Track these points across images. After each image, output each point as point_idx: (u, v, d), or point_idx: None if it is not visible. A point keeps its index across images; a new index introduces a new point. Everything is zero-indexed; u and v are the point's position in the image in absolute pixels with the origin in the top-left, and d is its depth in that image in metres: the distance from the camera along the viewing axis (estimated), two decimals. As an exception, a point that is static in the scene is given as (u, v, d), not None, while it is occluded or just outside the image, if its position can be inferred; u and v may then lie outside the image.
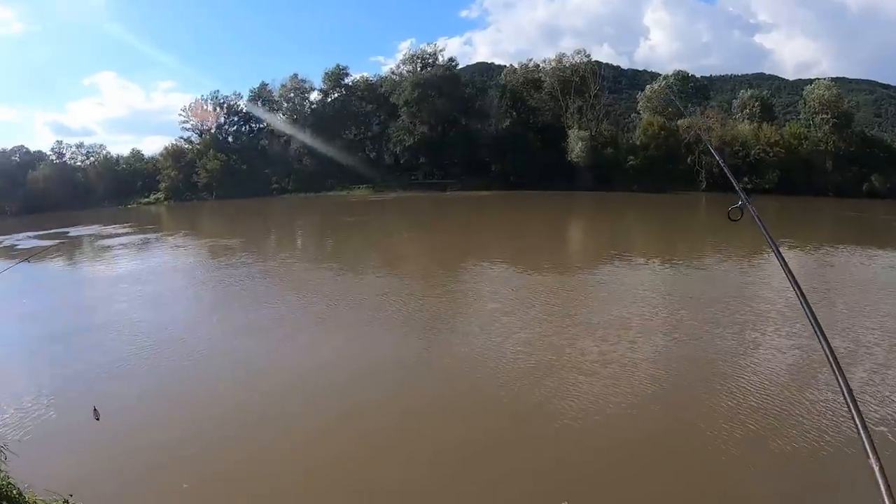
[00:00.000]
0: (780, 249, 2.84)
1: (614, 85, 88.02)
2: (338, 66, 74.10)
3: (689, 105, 63.89)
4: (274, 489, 8.60)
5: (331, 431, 10.18)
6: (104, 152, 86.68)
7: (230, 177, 73.15)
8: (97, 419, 10.81)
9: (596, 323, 15.44)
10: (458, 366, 12.86)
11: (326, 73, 74.78)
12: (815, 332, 2.06)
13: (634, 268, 23.50)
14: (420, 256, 28.85)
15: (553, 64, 64.38)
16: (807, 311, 2.20)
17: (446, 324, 16.51)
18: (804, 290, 2.36)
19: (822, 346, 1.98)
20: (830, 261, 24.58)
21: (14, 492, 7.17)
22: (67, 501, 7.79)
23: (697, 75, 73.15)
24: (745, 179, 60.73)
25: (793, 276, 2.53)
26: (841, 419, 9.33)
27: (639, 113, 64.07)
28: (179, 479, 8.77)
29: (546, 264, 24.29)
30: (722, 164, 4.26)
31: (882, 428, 9.10)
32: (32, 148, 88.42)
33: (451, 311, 17.83)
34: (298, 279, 24.26)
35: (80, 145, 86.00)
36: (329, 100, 74.98)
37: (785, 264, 2.62)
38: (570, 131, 58.99)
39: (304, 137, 73.02)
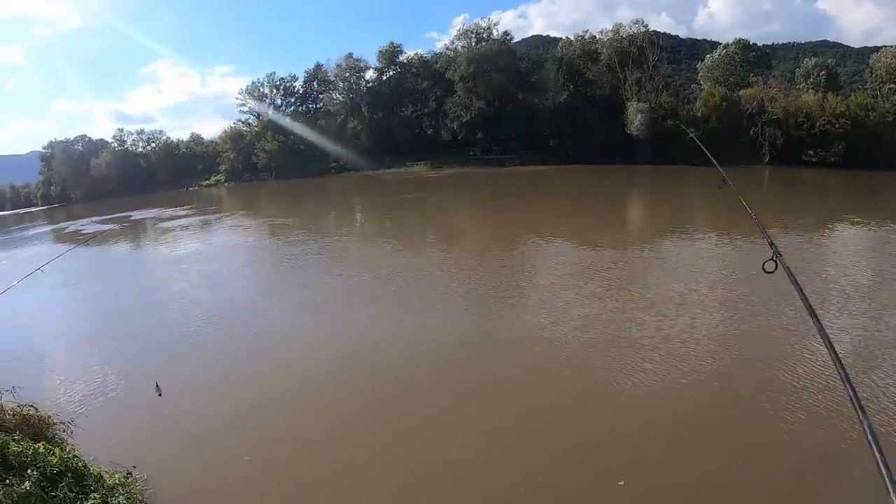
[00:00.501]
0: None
1: (673, 55, 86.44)
2: (392, 43, 75.12)
3: (752, 75, 62.58)
4: (335, 463, 8.87)
5: (391, 408, 10.51)
6: (164, 138, 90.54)
7: (289, 157, 75.18)
8: (160, 395, 11.47)
9: (654, 298, 15.62)
10: (517, 341, 13.19)
11: (381, 52, 75.83)
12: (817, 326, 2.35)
13: (693, 242, 23.65)
14: (477, 232, 29.39)
15: (610, 35, 63.51)
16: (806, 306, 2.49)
17: (505, 299, 16.74)
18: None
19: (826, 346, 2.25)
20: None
21: (80, 464, 7.74)
22: (131, 473, 8.46)
23: (759, 44, 71.74)
24: (811, 152, 59.35)
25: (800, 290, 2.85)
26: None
27: (699, 84, 63.10)
28: (241, 452, 9.21)
29: (604, 240, 24.39)
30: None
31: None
32: (95, 136, 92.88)
33: (509, 286, 18.05)
34: (357, 256, 25.16)
35: (140, 132, 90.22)
36: (384, 78, 75.98)
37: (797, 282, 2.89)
38: (628, 104, 58.42)
39: (361, 116, 74.55)
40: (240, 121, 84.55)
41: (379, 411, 10.48)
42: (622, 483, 7.80)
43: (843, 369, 2.14)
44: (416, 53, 77.17)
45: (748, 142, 58.71)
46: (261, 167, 77.73)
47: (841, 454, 8.10)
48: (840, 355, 2.39)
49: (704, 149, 8.07)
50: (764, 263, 3.07)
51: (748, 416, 9.47)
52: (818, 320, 2.47)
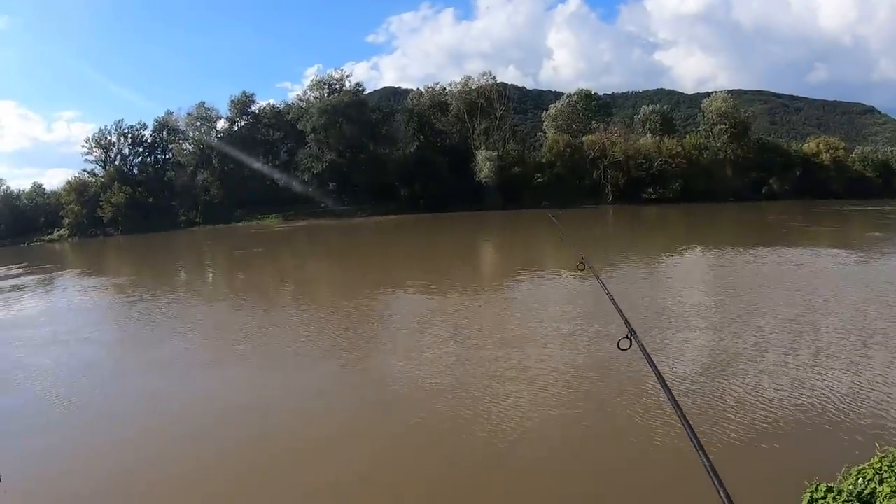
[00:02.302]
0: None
1: (520, 106, 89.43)
2: (244, 93, 71.90)
3: (593, 122, 65.19)
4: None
5: (239, 471, 9.59)
6: (3, 187, 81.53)
7: (136, 210, 69.93)
8: None
9: (507, 337, 15.60)
10: (374, 390, 12.59)
11: (232, 101, 72.37)
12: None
13: (543, 282, 23.89)
14: (331, 285, 27.80)
15: (459, 87, 64.18)
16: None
17: (359, 352, 15.88)
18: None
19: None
20: (735, 260, 27.33)
21: None
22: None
23: (600, 93, 75.56)
24: (650, 190, 62.52)
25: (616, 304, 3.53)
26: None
27: (544, 132, 64.93)
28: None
29: (456, 285, 23.96)
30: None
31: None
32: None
33: (364, 338, 17.21)
34: (209, 314, 22.74)
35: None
36: (236, 128, 72.61)
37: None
38: (477, 152, 58.86)
39: (211, 167, 70.86)
40: (85, 170, 77.96)
41: (239, 463, 9.86)
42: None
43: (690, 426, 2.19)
44: (269, 103, 74.44)
45: (592, 183, 60.67)
46: (107, 221, 71.60)
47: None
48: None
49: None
50: (619, 341, 3.12)
51: (599, 443, 9.79)
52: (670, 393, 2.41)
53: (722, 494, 1.78)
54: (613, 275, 24.01)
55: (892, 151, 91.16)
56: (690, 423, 2.17)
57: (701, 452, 2.01)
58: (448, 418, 10.90)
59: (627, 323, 3.30)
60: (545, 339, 15.35)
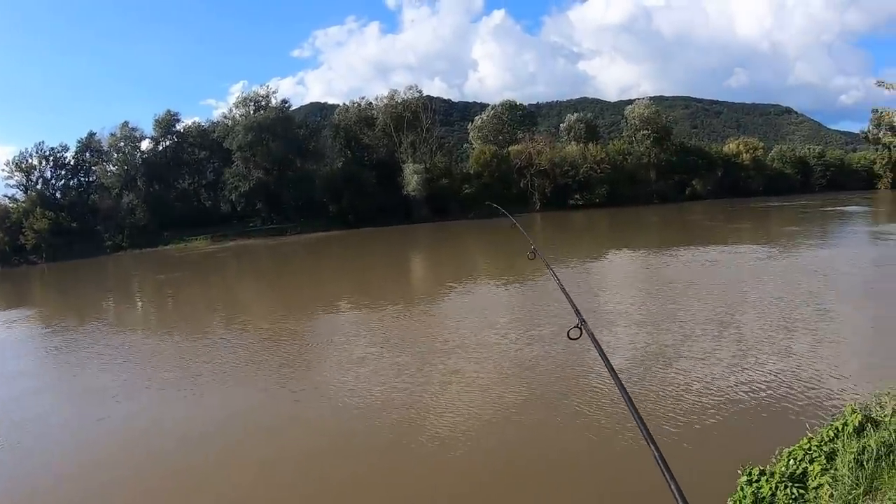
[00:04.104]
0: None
1: (446, 118, 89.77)
2: (168, 111, 69.32)
3: (519, 132, 66.03)
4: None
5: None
6: (-81, 217, 77.22)
7: (60, 237, 67.06)
8: None
9: (449, 345, 15.57)
10: (310, 405, 12.37)
11: (157, 120, 70.07)
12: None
13: (477, 290, 24.35)
14: (263, 306, 26.75)
15: (385, 101, 63.68)
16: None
17: (294, 371, 15.34)
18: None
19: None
20: (662, 260, 28.47)
21: None
22: None
23: (525, 103, 76.65)
24: (577, 196, 63.50)
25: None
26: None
27: (471, 143, 65.43)
28: None
29: (388, 300, 23.62)
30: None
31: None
32: None
33: (299, 356, 16.61)
34: (142, 343, 21.69)
35: None
36: (161, 148, 70.33)
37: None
38: (404, 166, 58.64)
39: (137, 189, 68.76)
40: (6, 196, 74.45)
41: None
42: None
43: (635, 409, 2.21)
44: (194, 122, 72.42)
45: (519, 192, 60.95)
46: (30, 248, 68.49)
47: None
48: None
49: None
50: (569, 331, 3.05)
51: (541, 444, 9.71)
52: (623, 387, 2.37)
53: (673, 488, 1.78)
54: (546, 279, 24.41)
55: (809, 149, 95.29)
56: (639, 411, 2.16)
57: (651, 444, 2.01)
58: (390, 427, 10.67)
59: (578, 312, 3.26)
60: (487, 343, 15.44)
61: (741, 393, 11.29)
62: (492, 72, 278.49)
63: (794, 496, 5.35)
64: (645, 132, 70.83)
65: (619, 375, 2.52)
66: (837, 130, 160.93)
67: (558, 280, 4.23)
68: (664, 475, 1.83)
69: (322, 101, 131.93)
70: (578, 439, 9.59)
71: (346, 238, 54.32)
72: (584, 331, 3.02)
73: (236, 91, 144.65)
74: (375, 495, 8.67)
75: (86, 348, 21.34)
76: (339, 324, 20.53)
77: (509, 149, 62.30)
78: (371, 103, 64.80)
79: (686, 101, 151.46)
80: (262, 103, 66.97)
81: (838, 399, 10.73)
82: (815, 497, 5.34)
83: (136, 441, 11.66)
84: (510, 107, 68.91)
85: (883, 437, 5.50)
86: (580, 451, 9.31)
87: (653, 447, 1.99)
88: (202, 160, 69.57)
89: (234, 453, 10.52)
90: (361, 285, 29.10)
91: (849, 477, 5.20)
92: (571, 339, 3.05)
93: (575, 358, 13.56)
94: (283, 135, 62.93)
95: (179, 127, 70.74)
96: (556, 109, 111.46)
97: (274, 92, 68.25)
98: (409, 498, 8.54)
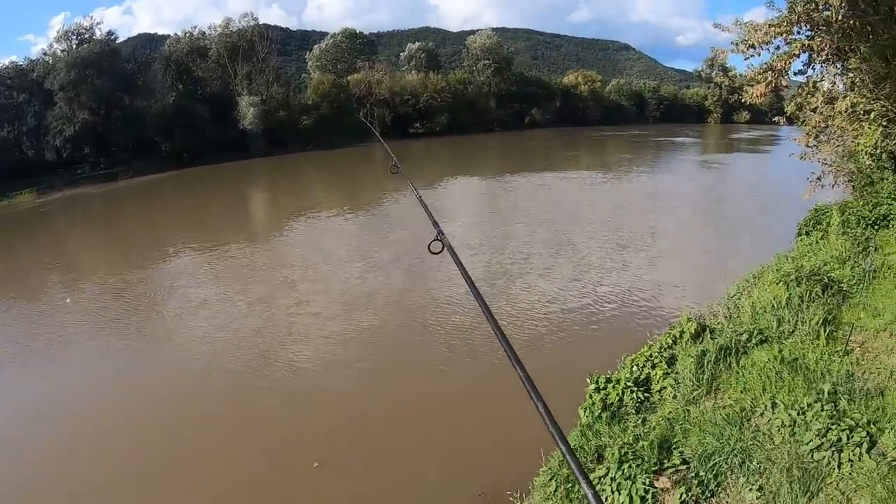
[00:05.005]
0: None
1: (284, 47, 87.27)
2: (-24, 52, 63.74)
3: (359, 61, 65.96)
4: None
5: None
6: None
7: None
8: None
9: (297, 278, 16.03)
10: (158, 361, 12.09)
11: (-32, 61, 63.90)
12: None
13: (321, 223, 24.50)
14: (95, 260, 25.47)
15: (219, 30, 60.35)
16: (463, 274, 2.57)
17: (137, 322, 14.97)
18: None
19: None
20: (504, 185, 30.29)
21: None
22: None
23: (365, 32, 76.31)
24: (417, 125, 64.88)
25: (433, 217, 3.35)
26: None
27: (309, 73, 64.63)
28: None
29: (229, 239, 23.37)
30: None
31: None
32: None
33: (140, 307, 16.20)
34: None
35: None
36: (-27, 93, 64.31)
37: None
38: (240, 98, 56.92)
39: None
40: None
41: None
42: (316, 465, 7.80)
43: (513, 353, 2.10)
44: (11, 61, 65.94)
45: (359, 122, 61.88)
46: None
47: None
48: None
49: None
50: (430, 244, 3.01)
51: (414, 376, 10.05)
52: (485, 304, 2.30)
53: (540, 408, 1.84)
54: (388, 209, 25.06)
55: (644, 83, 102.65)
56: (501, 328, 2.16)
57: (516, 366, 2.01)
58: (232, 371, 10.61)
59: (436, 224, 3.27)
60: (332, 274, 15.85)
61: (585, 306, 12.26)
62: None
63: (640, 399, 5.79)
64: (486, 62, 72.90)
65: (464, 265, 2.66)
66: (673, 68, 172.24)
67: (418, 194, 4.25)
68: (531, 396, 1.90)
69: (151, 31, 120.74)
70: (433, 360, 10.11)
71: (182, 178, 52.45)
72: (443, 243, 3.03)
73: (57, 24, 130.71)
74: (227, 437, 8.82)
75: None
76: (180, 268, 20.23)
77: (349, 78, 62.16)
78: (204, 33, 61.28)
79: (528, 34, 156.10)
80: (86, 36, 61.78)
81: (674, 308, 11.50)
82: (659, 399, 5.84)
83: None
84: (350, 35, 68.32)
85: (720, 342, 6.02)
86: (433, 373, 9.81)
87: (518, 369, 2.00)
88: (21, 104, 63.90)
89: (81, 416, 10.22)
90: (200, 227, 28.70)
91: (690, 379, 5.68)
92: (433, 252, 3.03)
93: (423, 281, 14.44)
94: (109, 70, 58.57)
95: (-6, 68, 64.43)
96: (397, 38, 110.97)
97: (99, 23, 62.75)
98: (262, 437, 8.68)
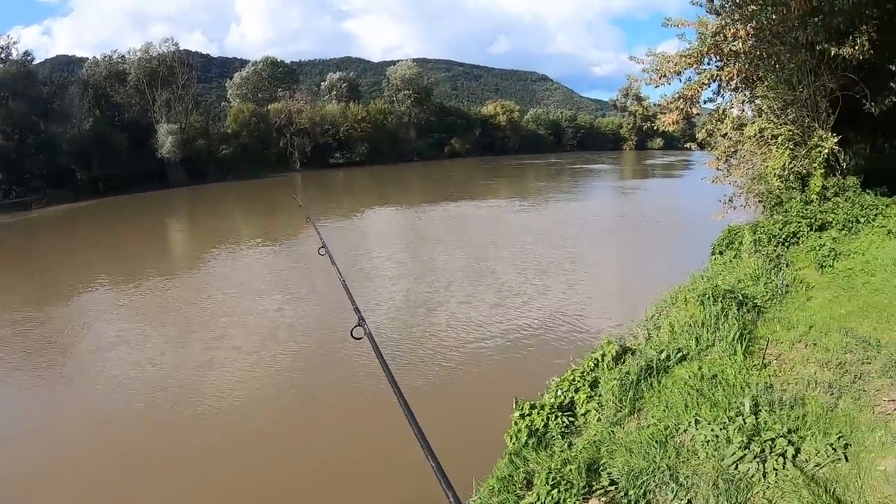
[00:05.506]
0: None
1: (204, 74, 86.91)
2: None
3: (279, 90, 67.39)
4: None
5: None
6: None
7: None
8: None
9: (212, 313, 15.58)
10: (60, 402, 11.62)
11: None
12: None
13: (241, 260, 23.74)
14: (3, 298, 23.92)
15: (139, 55, 60.28)
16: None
17: (45, 361, 14.11)
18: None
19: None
20: (422, 217, 30.26)
21: None
22: None
23: (287, 61, 77.00)
24: (337, 155, 66.12)
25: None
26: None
27: (229, 101, 65.64)
28: None
29: (145, 273, 22.46)
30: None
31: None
32: None
33: (50, 345, 15.26)
34: None
35: None
36: None
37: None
38: (159, 126, 56.81)
39: None
40: None
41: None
42: None
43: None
44: (-83, 80, 64.21)
45: (279, 152, 62.68)
46: None
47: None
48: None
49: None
50: (352, 330, 3.13)
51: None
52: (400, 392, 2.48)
53: (446, 490, 1.80)
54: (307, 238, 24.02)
55: (561, 112, 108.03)
56: (412, 410, 2.23)
57: (424, 446, 2.03)
58: (146, 413, 10.26)
59: (358, 310, 3.36)
60: (251, 309, 15.40)
61: (507, 333, 12.24)
62: (255, 27, 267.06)
63: (565, 424, 5.76)
64: (406, 92, 75.65)
65: (381, 352, 2.80)
66: (589, 98, 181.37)
67: (342, 278, 4.27)
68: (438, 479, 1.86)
69: (70, 53, 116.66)
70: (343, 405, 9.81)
71: (98, 208, 51.26)
72: (365, 330, 3.08)
73: None
74: (133, 483, 8.45)
75: None
76: (95, 305, 19.34)
77: (269, 107, 63.54)
78: (124, 57, 60.81)
79: (448, 65, 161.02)
80: (2, 56, 60.92)
81: (596, 330, 11.60)
82: (584, 422, 5.83)
83: None
84: (272, 63, 69.44)
85: (640, 363, 6.05)
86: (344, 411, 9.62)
87: (427, 455, 1.99)
88: (-73, 128, 62.14)
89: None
90: (117, 260, 27.86)
91: (613, 401, 5.71)
92: (355, 338, 3.08)
93: (346, 324, 14.62)
94: (24, 93, 56.94)
95: None
96: (318, 68, 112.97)
97: (15, 42, 61.32)
98: (170, 488, 8.25)
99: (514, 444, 5.66)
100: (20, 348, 15.03)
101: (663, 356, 6.24)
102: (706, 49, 12.23)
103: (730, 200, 14.65)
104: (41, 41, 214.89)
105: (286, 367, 11.60)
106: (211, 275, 21.81)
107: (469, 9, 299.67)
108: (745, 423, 4.54)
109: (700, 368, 5.86)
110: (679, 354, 6.33)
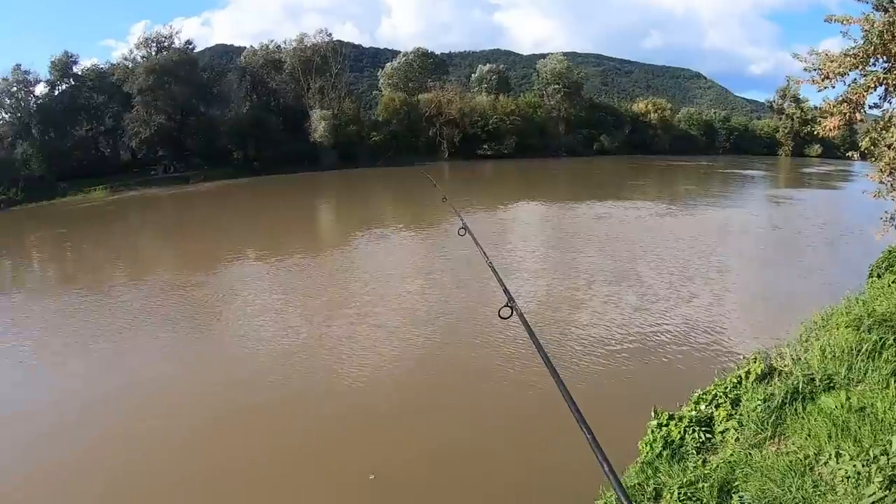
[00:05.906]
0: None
1: (356, 64, 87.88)
2: (66, 53, 65.14)
3: (429, 80, 65.77)
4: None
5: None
6: None
7: (-56, 196, 62.60)
8: None
9: (357, 294, 15.70)
10: (219, 361, 12.01)
11: (53, 62, 65.96)
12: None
13: (386, 242, 24.15)
14: (163, 259, 25.56)
15: (294, 44, 61.29)
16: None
17: (199, 322, 14.97)
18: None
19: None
20: (569, 214, 29.78)
21: None
22: None
23: (437, 52, 76.19)
24: (485, 147, 64.02)
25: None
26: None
27: (380, 90, 64.75)
28: None
29: (294, 249, 23.35)
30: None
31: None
32: None
33: (212, 310, 16.02)
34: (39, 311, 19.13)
35: None
36: (56, 93, 66.41)
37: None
38: (312, 112, 57.28)
39: (31, 138, 64.72)
40: None
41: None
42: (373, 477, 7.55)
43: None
44: (93, 64, 68.13)
45: (428, 141, 61.02)
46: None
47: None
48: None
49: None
50: (500, 310, 3.10)
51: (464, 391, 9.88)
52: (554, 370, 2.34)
53: (599, 460, 1.80)
54: (451, 224, 24.45)
55: (714, 113, 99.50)
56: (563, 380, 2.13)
57: (582, 426, 1.99)
58: (290, 377, 10.45)
59: (507, 291, 3.29)
60: (396, 292, 15.47)
61: (648, 337, 11.86)
62: (406, 19, 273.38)
63: (701, 440, 5.62)
64: (556, 86, 71.87)
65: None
66: (744, 98, 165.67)
67: (487, 258, 4.23)
68: (596, 456, 1.85)
69: (228, 43, 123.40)
70: (494, 389, 9.72)
71: (252, 186, 52.88)
72: (514, 310, 3.06)
73: (137, 31, 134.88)
74: (279, 442, 8.55)
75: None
76: (245, 274, 20.11)
77: (419, 97, 61.93)
78: (280, 46, 62.32)
79: (598, 59, 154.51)
80: (165, 44, 63.50)
81: (738, 344, 11.40)
82: (721, 441, 5.63)
83: (34, 415, 10.31)
84: (422, 55, 68.17)
85: (787, 385, 5.79)
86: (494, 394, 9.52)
87: (584, 430, 1.99)
88: (100, 105, 65.77)
89: (144, 408, 10.03)
90: (267, 234, 28.57)
91: (754, 422, 5.47)
92: (503, 318, 3.11)
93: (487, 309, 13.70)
94: (186, 78, 60.00)
95: (77, 69, 66.58)
96: (468, 60, 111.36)
97: (178, 32, 64.62)
98: (321, 449, 8.41)
99: (648, 452, 5.62)
100: (171, 308, 16.01)
101: (811, 381, 5.89)
102: (872, 49, 9.53)
103: (891, 218, 11.72)
104: (201, 31, 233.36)
105: (429, 345, 11.67)
106: (355, 254, 22.25)
107: (619, 2, 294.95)
108: (888, 462, 4.23)
109: (848, 399, 5.47)
110: (827, 381, 5.92)
